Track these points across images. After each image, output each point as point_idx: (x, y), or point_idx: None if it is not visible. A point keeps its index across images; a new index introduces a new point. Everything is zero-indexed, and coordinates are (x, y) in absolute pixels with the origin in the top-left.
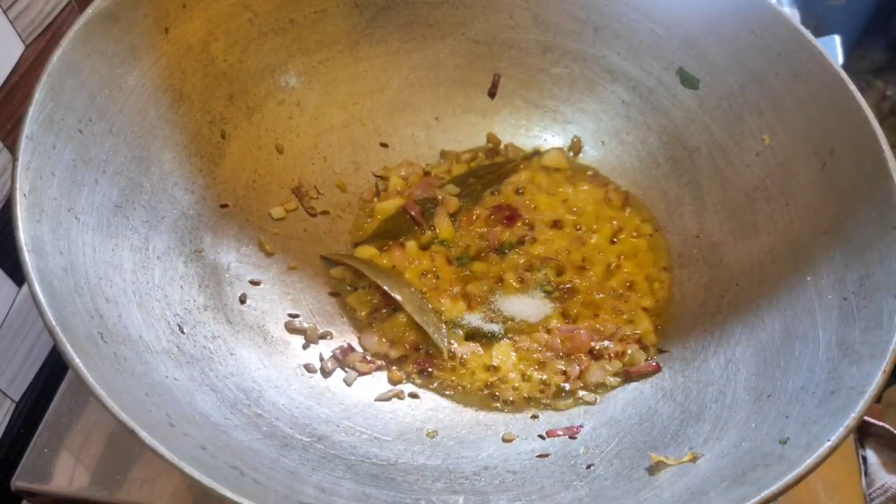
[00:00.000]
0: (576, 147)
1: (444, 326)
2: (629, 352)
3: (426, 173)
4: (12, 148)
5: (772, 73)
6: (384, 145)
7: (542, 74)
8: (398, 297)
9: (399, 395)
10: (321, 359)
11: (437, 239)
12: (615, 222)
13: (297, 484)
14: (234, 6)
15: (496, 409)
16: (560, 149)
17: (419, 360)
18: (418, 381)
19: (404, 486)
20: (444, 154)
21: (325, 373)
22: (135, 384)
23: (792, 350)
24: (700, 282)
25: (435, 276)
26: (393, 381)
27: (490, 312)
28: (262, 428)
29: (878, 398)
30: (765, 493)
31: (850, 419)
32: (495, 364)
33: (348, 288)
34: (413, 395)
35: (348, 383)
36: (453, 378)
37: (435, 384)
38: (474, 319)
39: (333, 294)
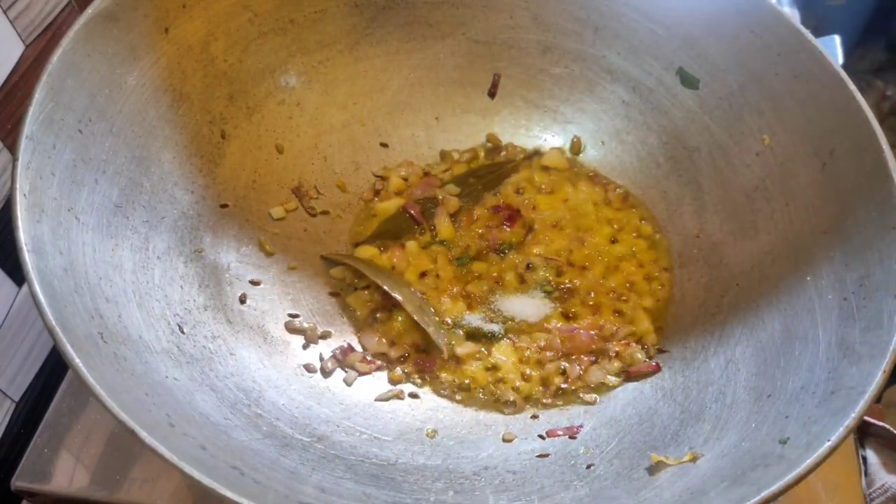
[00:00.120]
0: (576, 147)
1: (444, 326)
2: (629, 352)
3: (426, 173)
4: (12, 148)
5: (772, 73)
6: (384, 145)
7: (542, 74)
8: (398, 297)
9: (399, 395)
10: (321, 359)
11: (437, 239)
12: (615, 222)
13: (297, 484)
14: (234, 6)
15: (496, 408)
16: (560, 149)
17: (419, 360)
18: (418, 381)
19: (404, 486)
20: (444, 154)
21: (325, 373)
22: (135, 384)
23: (792, 350)
24: (700, 282)
25: (435, 276)
26: (393, 381)
27: (490, 312)
28: (262, 428)
29: (878, 398)
30: (765, 493)
31: (850, 419)
32: (495, 364)
33: (348, 288)
34: (413, 395)
35: (348, 383)
36: (453, 378)
37: (435, 384)
38: (474, 319)
39: (333, 294)
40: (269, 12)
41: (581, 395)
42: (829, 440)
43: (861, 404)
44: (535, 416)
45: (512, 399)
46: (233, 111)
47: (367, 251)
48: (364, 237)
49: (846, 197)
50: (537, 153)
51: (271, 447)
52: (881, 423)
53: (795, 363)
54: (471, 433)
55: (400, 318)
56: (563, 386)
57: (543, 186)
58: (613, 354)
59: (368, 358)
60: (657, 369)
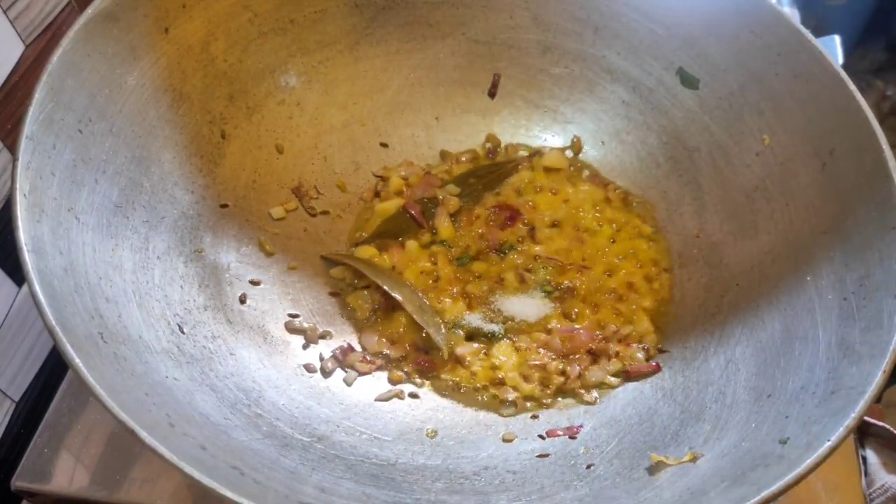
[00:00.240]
0: (576, 147)
1: (444, 326)
2: (629, 352)
3: (426, 173)
4: (12, 148)
5: (772, 73)
6: (384, 145)
7: (542, 74)
8: (398, 297)
9: (399, 395)
10: (321, 359)
11: (437, 239)
12: (615, 222)
13: (297, 484)
14: (234, 6)
15: (496, 408)
16: (560, 149)
17: (419, 360)
18: (418, 381)
19: (404, 486)
20: (444, 154)
21: (325, 373)
22: (135, 384)
23: (792, 350)
24: (700, 282)
25: (435, 276)
26: (393, 381)
27: (490, 312)
28: (262, 428)
29: (878, 398)
30: (765, 493)
31: (850, 419)
32: (495, 364)
33: (348, 288)
34: (413, 395)
35: (348, 383)
36: (453, 378)
37: (435, 384)
38: (474, 319)
39: (333, 294)
40: (269, 12)
41: (581, 395)
42: (829, 440)
43: (861, 404)
44: (535, 416)
45: (512, 399)
46: (233, 111)
47: (367, 251)
48: (364, 237)
49: (846, 197)
50: (537, 153)
51: (271, 447)
52: (881, 423)
53: (795, 363)
54: (471, 433)
55: (400, 318)
56: (564, 386)
57: (543, 186)
58: (613, 354)
59: (368, 358)
60: (657, 369)
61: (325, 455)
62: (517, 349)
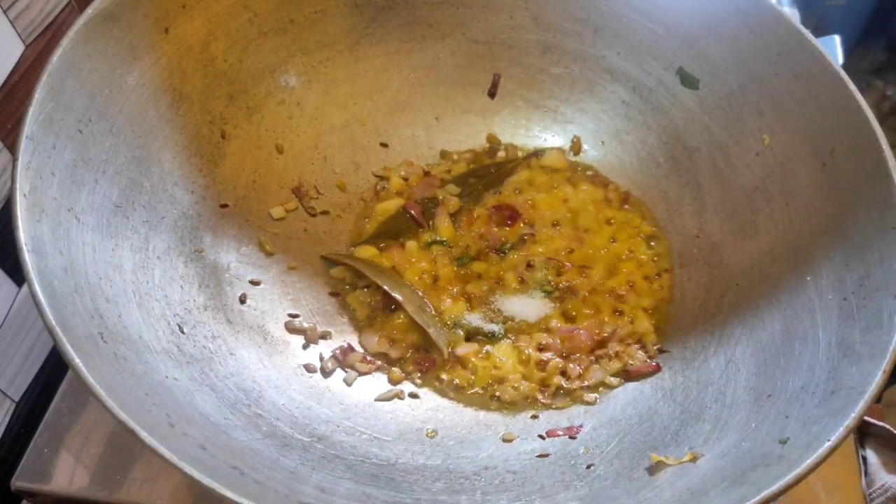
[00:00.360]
0: (576, 147)
1: (444, 326)
2: (629, 352)
3: (426, 173)
4: (12, 148)
5: (772, 73)
6: (384, 145)
7: (542, 74)
8: (398, 297)
9: (399, 395)
10: (321, 359)
11: (437, 239)
12: (615, 222)
13: (297, 484)
14: (234, 6)
15: (496, 408)
16: (560, 149)
17: (419, 360)
18: (418, 381)
19: (404, 486)
20: (444, 154)
21: (325, 373)
22: (135, 384)
23: (792, 350)
24: (700, 282)
25: (435, 276)
26: (393, 381)
27: (490, 312)
28: (262, 428)
29: (878, 398)
30: (765, 493)
31: (850, 419)
32: (495, 364)
33: (348, 288)
34: (413, 395)
35: (348, 383)
36: (453, 378)
37: (435, 384)
38: (474, 319)
39: (333, 294)
40: (269, 12)
41: (581, 395)
42: (829, 440)
43: (861, 404)
44: (535, 416)
45: (512, 399)
46: (233, 111)
47: (366, 251)
48: (364, 237)
49: (846, 197)
50: (537, 153)
51: (271, 447)
52: (881, 423)
53: (795, 363)
54: (471, 433)
55: (400, 318)
56: (563, 386)
57: (543, 186)
58: (613, 354)
59: (368, 358)
60: (657, 369)
61: (325, 455)
62: (517, 349)
